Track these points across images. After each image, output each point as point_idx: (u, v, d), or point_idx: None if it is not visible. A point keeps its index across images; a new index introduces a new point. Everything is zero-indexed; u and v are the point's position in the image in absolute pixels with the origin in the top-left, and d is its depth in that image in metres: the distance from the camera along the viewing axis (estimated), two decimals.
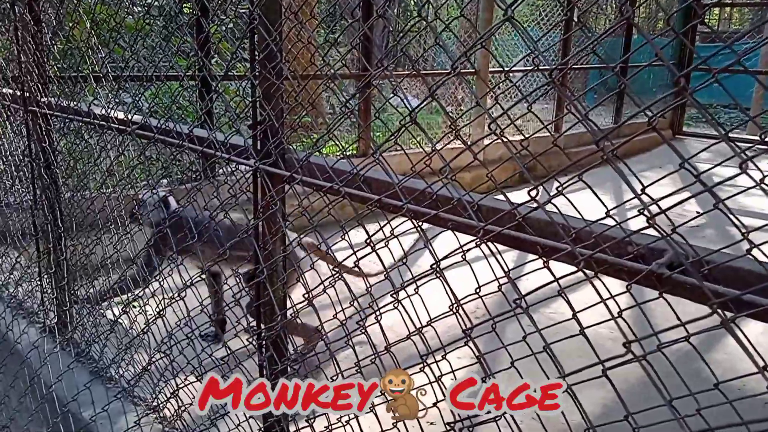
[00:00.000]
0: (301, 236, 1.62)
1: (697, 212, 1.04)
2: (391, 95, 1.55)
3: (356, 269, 1.66)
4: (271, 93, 1.58)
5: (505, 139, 1.17)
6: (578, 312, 1.06)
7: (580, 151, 6.68)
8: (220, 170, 3.82)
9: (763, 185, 0.82)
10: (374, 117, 5.88)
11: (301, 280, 1.62)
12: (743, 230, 0.86)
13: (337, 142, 1.76)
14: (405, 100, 1.35)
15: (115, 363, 2.50)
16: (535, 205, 1.11)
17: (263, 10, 1.55)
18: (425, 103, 1.28)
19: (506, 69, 7.58)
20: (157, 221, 2.57)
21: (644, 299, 1.03)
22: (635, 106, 1.07)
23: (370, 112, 5.97)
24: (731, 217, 0.87)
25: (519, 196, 1.12)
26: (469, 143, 1.23)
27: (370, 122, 6.17)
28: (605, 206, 1.06)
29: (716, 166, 0.99)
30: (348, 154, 5.66)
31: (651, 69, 8.61)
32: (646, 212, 0.95)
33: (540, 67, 1.18)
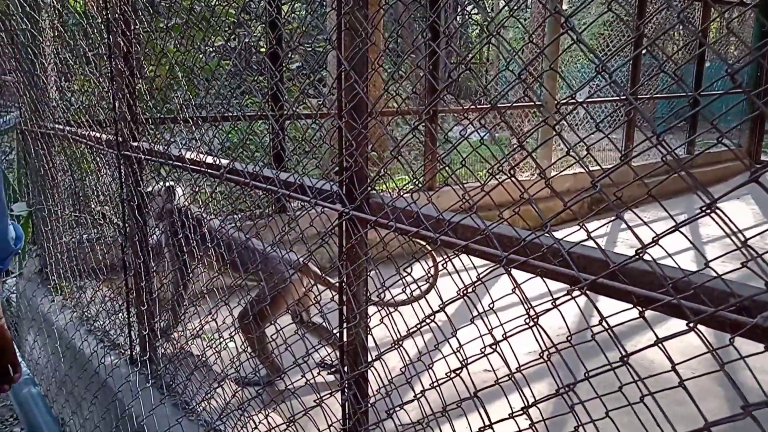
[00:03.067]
0: (388, 279, 1.66)
1: None
2: (455, 127, 1.59)
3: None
4: (358, 141, 1.64)
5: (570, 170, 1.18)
6: (677, 364, 1.05)
7: (651, 182, 6.50)
8: (290, 205, 3.93)
9: None
10: (441, 149, 5.93)
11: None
12: None
13: (406, 183, 1.80)
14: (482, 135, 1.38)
15: (199, 397, 2.59)
16: (630, 253, 1.11)
17: (351, 63, 1.63)
18: (515, 148, 1.30)
19: (577, 101, 7.51)
20: (166, 213, 2.69)
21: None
22: (709, 134, 1.06)
23: (435, 145, 6.03)
24: None
25: (591, 228, 1.13)
26: (536, 175, 1.24)
27: (436, 157, 6.22)
28: (704, 257, 1.05)
29: None
30: (414, 188, 5.74)
31: (724, 98, 8.35)
32: (752, 264, 0.93)
33: (609, 99, 1.19)
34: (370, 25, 1.64)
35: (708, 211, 0.93)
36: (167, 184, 3.17)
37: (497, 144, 8.04)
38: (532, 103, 6.87)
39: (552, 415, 1.32)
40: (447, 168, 1.57)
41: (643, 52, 7.59)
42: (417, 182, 5.78)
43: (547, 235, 1.28)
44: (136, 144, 2.90)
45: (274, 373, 3.10)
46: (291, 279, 2.70)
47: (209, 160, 2.25)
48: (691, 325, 0.98)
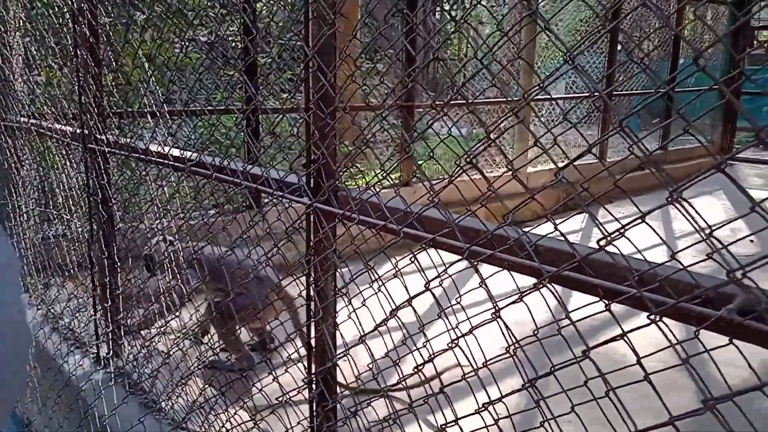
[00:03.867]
0: (356, 274, 1.62)
1: (750, 240, 1.00)
2: (433, 124, 1.56)
3: None
4: (326, 132, 1.61)
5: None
6: (643, 357, 1.03)
7: (625, 179, 6.55)
8: (266, 200, 3.88)
9: None
10: (409, 147, 5.89)
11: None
12: None
13: (378, 178, 1.77)
14: (459, 131, 1.36)
15: (165, 395, 2.53)
16: (596, 247, 1.09)
17: (318, 53, 1.59)
18: (483, 147, 1.28)
19: (556, 97, 7.53)
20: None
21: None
22: (682, 129, 1.05)
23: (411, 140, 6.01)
24: None
25: (565, 225, 1.11)
26: (511, 171, 1.22)
27: (409, 154, 6.19)
28: (670, 248, 1.03)
29: None
30: (389, 184, 5.70)
31: (698, 94, 8.43)
32: (716, 256, 0.92)
33: (584, 95, 1.17)
34: (336, 13, 1.60)
35: (671, 199, 0.91)
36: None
37: (473, 140, 8.04)
38: (506, 100, 6.88)
39: (521, 410, 1.30)
40: (418, 162, 1.54)
41: (619, 48, 7.64)
42: (388, 176, 5.74)
43: (513, 227, 1.26)
44: (102, 137, 2.83)
45: (244, 361, 3.12)
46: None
47: (175, 152, 2.20)
48: (655, 317, 0.96)
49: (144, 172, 2.59)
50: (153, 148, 2.31)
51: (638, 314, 1.06)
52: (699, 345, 1.00)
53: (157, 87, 2.75)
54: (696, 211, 0.97)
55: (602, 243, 1.06)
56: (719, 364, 0.99)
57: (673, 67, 8.38)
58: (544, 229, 1.24)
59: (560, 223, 1.20)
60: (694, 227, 0.98)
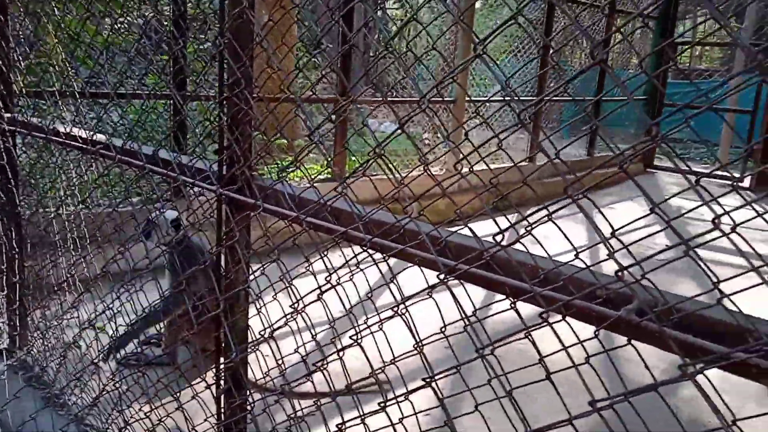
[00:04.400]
0: (264, 265, 1.56)
1: (666, 245, 1.00)
2: (367, 119, 1.52)
3: None
4: (239, 118, 1.54)
5: (467, 171, 1.14)
6: (545, 357, 1.02)
7: (553, 182, 6.74)
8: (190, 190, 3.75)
9: (734, 233, 0.80)
10: (347, 144, 5.85)
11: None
12: (714, 279, 0.83)
13: (304, 170, 1.71)
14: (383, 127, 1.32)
15: (68, 389, 2.40)
16: (504, 244, 1.08)
17: (233, 34, 1.52)
18: (393, 135, 1.25)
19: (484, 99, 7.63)
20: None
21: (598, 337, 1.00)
22: (608, 138, 1.06)
23: (346, 136, 5.96)
24: (702, 265, 0.85)
25: (492, 225, 1.09)
26: (443, 172, 1.20)
27: (344, 149, 6.15)
28: (574, 248, 1.03)
29: (697, 207, 0.97)
30: (322, 178, 5.63)
31: (625, 103, 8.73)
32: (616, 258, 0.92)
33: (514, 99, 1.15)
34: None
35: (573, 199, 0.91)
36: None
37: (410, 138, 8.04)
38: (443, 100, 6.93)
39: (431, 407, 1.27)
40: (357, 157, 1.50)
41: (551, 53, 7.83)
42: (320, 169, 5.68)
43: (425, 223, 1.23)
44: (9, 115, 2.65)
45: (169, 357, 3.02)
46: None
47: (83, 134, 2.07)
48: (563, 315, 0.95)
49: (57, 155, 2.44)
50: (61, 129, 2.18)
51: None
52: (608, 343, 1.00)
53: (80, 67, 2.59)
54: (603, 215, 0.97)
55: (495, 236, 1.05)
56: (634, 362, 1.00)
57: (601, 76, 8.65)
58: (473, 229, 1.22)
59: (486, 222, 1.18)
60: (599, 234, 0.98)
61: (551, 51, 7.64)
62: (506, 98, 1.07)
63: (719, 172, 1.04)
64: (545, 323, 0.95)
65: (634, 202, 7.30)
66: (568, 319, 0.99)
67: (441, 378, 1.17)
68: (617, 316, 0.94)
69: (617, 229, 0.97)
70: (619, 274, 0.84)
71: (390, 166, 1.22)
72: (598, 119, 1.03)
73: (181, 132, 4.28)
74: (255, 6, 1.56)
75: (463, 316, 1.10)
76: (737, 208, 0.83)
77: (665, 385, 0.89)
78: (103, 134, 2.06)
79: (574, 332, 0.99)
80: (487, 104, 8.03)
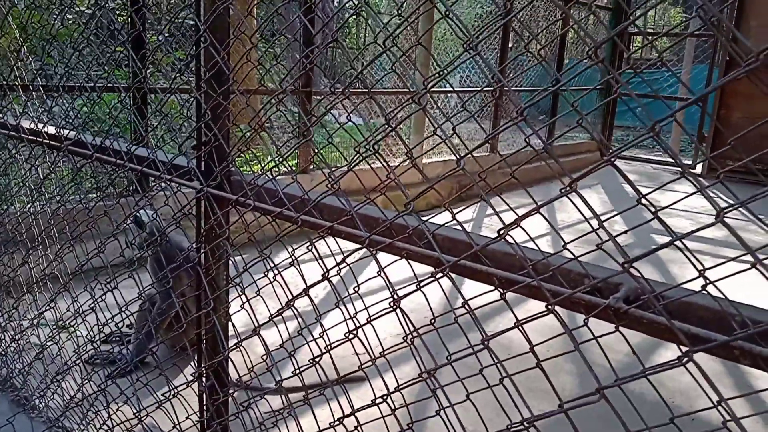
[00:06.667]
0: (248, 266, 1.56)
1: (624, 230, 1.04)
2: (336, 114, 1.53)
3: None
4: (218, 113, 1.53)
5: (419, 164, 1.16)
6: (535, 345, 1.06)
7: (519, 171, 6.81)
8: (153, 184, 3.68)
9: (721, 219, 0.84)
10: (305, 134, 5.81)
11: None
12: (699, 268, 0.88)
13: (285, 165, 1.71)
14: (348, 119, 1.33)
15: (40, 391, 2.34)
16: (494, 236, 1.10)
17: (211, 28, 1.50)
18: (383, 135, 1.26)
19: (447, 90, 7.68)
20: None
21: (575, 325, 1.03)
22: (566, 126, 1.09)
23: (311, 129, 5.92)
24: (688, 255, 0.89)
25: (460, 215, 1.12)
26: (409, 160, 1.21)
27: (307, 139, 6.10)
28: (562, 239, 1.06)
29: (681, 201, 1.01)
30: (286, 170, 5.59)
31: (581, 92, 8.92)
32: (605, 246, 0.95)
33: (478, 88, 1.18)
34: None
35: (565, 191, 0.93)
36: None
37: (370, 129, 8.06)
38: (404, 90, 6.95)
39: (418, 399, 1.30)
40: (316, 150, 1.50)
41: (510, 45, 7.92)
42: (284, 163, 5.63)
43: (413, 216, 1.25)
44: None
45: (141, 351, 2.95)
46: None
47: (50, 130, 2.02)
48: (552, 306, 0.98)
49: (15, 151, 2.37)
50: (25, 124, 2.11)
51: (525, 301, 1.09)
52: (585, 331, 1.03)
53: (30, 58, 2.52)
54: (587, 203, 1.00)
55: (500, 231, 1.07)
56: (608, 350, 1.03)
57: (559, 66, 8.80)
58: (440, 219, 1.24)
59: (458, 212, 1.21)
60: (587, 220, 1.01)
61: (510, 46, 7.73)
62: (477, 88, 1.09)
63: (670, 159, 1.08)
64: (547, 313, 0.98)
65: (591, 191, 7.47)
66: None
67: (433, 370, 1.19)
68: (606, 304, 0.98)
69: (605, 220, 1.00)
70: (625, 266, 0.86)
71: (381, 157, 1.23)
72: (572, 103, 1.06)
73: (143, 121, 4.18)
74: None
75: (457, 304, 1.12)
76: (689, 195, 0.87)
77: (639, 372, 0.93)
78: (74, 130, 2.01)
79: (560, 318, 1.03)
80: (449, 95, 8.10)
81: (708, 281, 0.88)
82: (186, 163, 1.62)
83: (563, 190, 0.98)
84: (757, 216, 0.87)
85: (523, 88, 8.98)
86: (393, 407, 1.25)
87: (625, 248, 0.95)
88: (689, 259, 0.89)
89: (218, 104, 1.54)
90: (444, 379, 1.20)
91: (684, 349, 0.88)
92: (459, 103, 8.22)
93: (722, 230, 0.88)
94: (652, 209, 0.90)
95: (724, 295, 0.90)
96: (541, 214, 1.05)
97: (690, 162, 8.48)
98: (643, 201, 0.93)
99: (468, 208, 6.31)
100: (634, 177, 8.84)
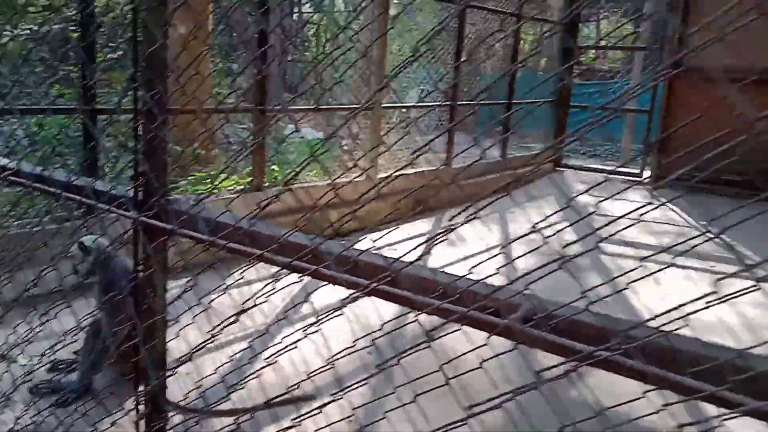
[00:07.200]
0: (180, 294, 1.61)
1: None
2: (291, 131, 1.59)
3: None
4: (153, 146, 1.57)
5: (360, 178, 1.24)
6: (445, 363, 1.14)
7: (469, 184, 6.98)
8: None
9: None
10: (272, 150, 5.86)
11: None
12: (582, 289, 0.97)
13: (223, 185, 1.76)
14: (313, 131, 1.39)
15: None
16: (411, 259, 1.18)
17: (148, 62, 1.55)
18: (322, 151, 1.33)
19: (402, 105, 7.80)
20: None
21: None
22: (520, 139, 1.18)
23: (264, 146, 5.95)
24: (575, 279, 0.98)
25: (414, 227, 1.20)
26: (364, 178, 1.29)
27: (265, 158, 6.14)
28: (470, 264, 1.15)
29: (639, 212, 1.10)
30: (241, 188, 5.62)
31: (532, 106, 9.17)
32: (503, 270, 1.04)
33: (433, 104, 1.26)
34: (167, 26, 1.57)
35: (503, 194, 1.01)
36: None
37: (324, 146, 8.10)
38: (359, 106, 7.04)
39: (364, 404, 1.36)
40: (271, 167, 1.56)
41: (463, 59, 8.10)
42: (239, 180, 5.66)
43: (339, 242, 1.32)
44: None
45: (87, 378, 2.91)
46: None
47: None
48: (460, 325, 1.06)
49: None
50: None
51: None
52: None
53: None
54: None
55: (416, 259, 1.15)
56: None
57: (512, 80, 9.01)
58: (394, 234, 1.32)
59: (414, 225, 1.28)
60: (541, 225, 1.09)
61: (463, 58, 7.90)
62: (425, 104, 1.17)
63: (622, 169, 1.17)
64: (454, 331, 1.06)
65: (543, 200, 7.67)
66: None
67: (359, 387, 1.26)
68: (504, 324, 1.06)
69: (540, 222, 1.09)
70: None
71: (327, 170, 1.29)
72: (519, 119, 1.15)
73: (91, 149, 4.16)
74: (168, 34, 1.60)
75: (373, 330, 1.19)
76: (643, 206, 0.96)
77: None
78: (8, 157, 2.02)
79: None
80: (403, 109, 8.22)
81: (591, 301, 0.97)
82: (124, 193, 1.66)
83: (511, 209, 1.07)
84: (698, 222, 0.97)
85: (477, 102, 9.16)
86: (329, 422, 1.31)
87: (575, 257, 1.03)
88: (578, 281, 0.99)
89: (154, 136, 1.58)
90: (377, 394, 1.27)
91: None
92: (417, 117, 8.36)
93: (657, 238, 0.98)
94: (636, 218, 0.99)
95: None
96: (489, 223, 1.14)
97: (638, 171, 8.77)
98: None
99: (425, 220, 6.43)
100: (583, 187, 9.10)
